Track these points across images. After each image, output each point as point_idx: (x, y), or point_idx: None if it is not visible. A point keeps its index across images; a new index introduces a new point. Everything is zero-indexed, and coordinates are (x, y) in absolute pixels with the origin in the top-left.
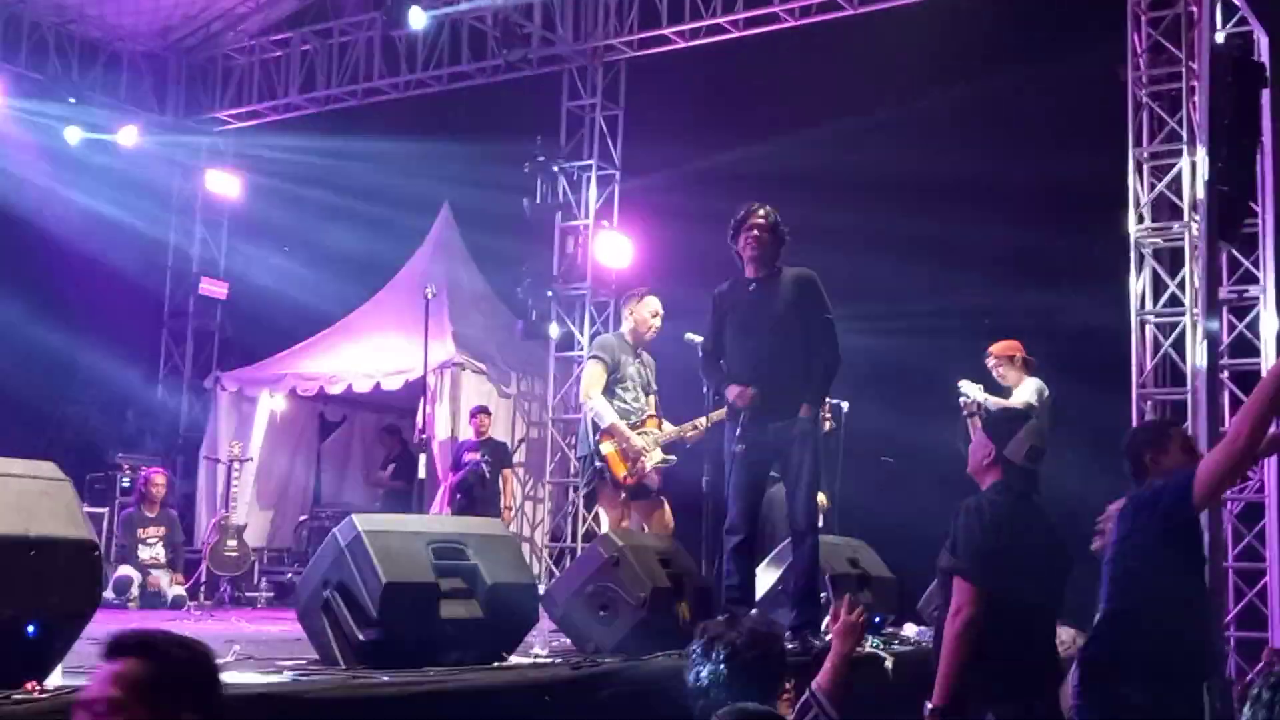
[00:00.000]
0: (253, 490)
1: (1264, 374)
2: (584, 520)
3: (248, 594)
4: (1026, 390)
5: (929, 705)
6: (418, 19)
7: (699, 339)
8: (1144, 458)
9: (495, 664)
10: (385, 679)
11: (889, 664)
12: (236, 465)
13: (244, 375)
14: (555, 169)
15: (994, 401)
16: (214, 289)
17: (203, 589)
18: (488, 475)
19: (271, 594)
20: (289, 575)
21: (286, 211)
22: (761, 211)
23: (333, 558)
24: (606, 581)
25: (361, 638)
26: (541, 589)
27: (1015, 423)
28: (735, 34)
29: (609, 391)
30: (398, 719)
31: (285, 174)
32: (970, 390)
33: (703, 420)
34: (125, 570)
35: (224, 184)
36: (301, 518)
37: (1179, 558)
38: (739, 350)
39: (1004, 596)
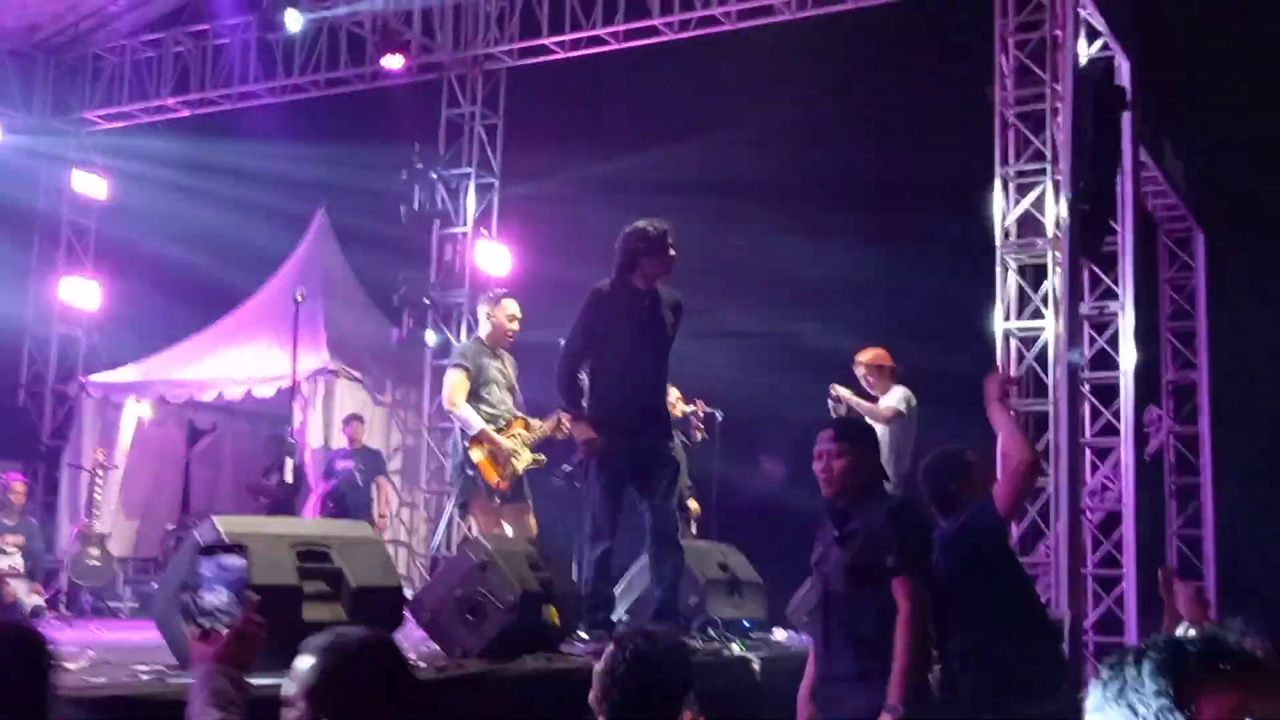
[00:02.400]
0: (118, 498)
1: (1122, 387)
2: (460, 528)
3: (110, 604)
4: (894, 398)
5: (890, 704)
6: (294, 21)
7: None
8: (949, 487)
9: None
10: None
11: (756, 665)
12: (100, 472)
13: (110, 382)
14: (433, 176)
15: (862, 405)
16: (79, 293)
17: (63, 599)
18: (360, 483)
19: (136, 604)
20: (154, 585)
21: (157, 215)
22: (673, 235)
23: (192, 560)
24: (475, 586)
25: None
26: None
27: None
28: (615, 45)
29: (474, 397)
30: None
31: (156, 176)
32: (841, 392)
33: (567, 416)
34: None
35: (92, 185)
36: (169, 526)
37: (1008, 575)
38: (623, 361)
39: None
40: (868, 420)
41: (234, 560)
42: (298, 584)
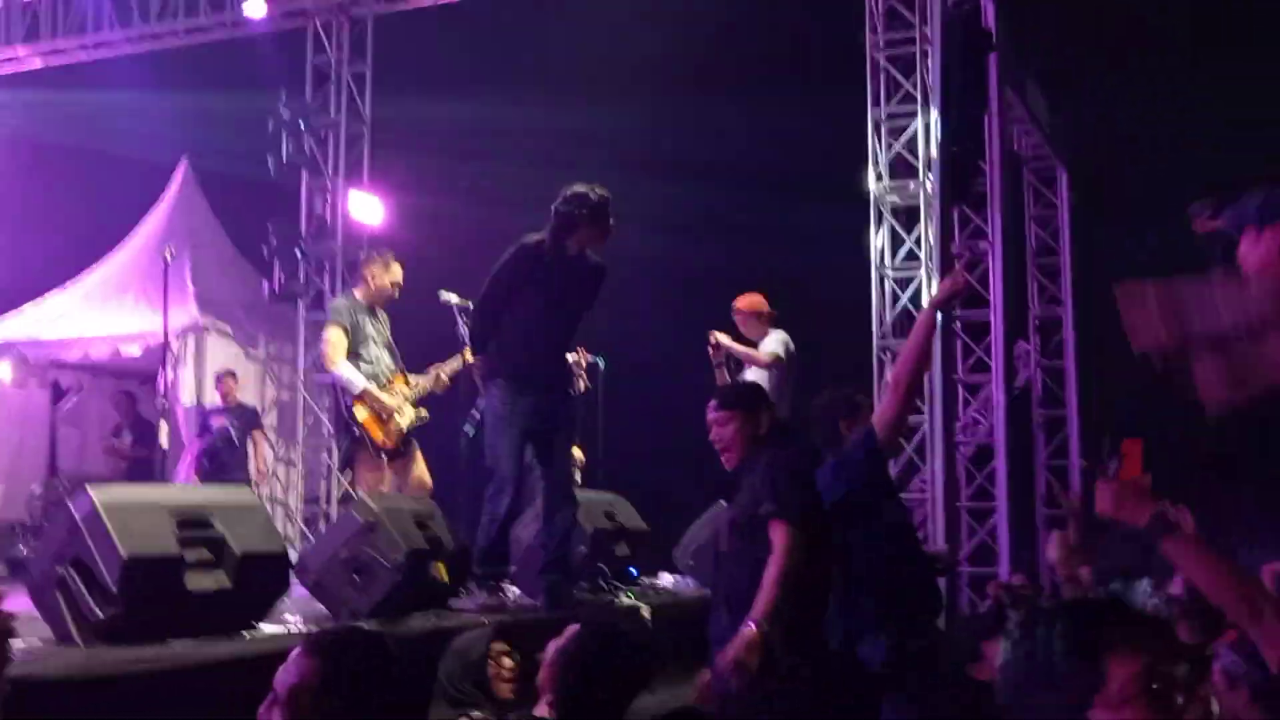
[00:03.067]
0: None
1: (993, 324)
2: (339, 484)
3: None
4: (772, 342)
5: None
6: None
7: (455, 299)
8: (839, 425)
9: (245, 634)
10: (126, 655)
11: (646, 613)
12: None
13: None
14: (301, 126)
15: (741, 351)
16: None
17: None
18: (235, 440)
19: (3, 571)
20: (23, 550)
21: (14, 164)
22: (612, 205)
23: (67, 531)
24: (362, 546)
25: (101, 615)
26: (294, 555)
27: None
28: None
29: (352, 355)
30: (141, 695)
31: (10, 130)
32: (720, 339)
33: (445, 370)
34: None
35: None
36: (35, 489)
37: (888, 509)
38: (537, 320)
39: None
40: (748, 366)
41: None
42: (179, 553)
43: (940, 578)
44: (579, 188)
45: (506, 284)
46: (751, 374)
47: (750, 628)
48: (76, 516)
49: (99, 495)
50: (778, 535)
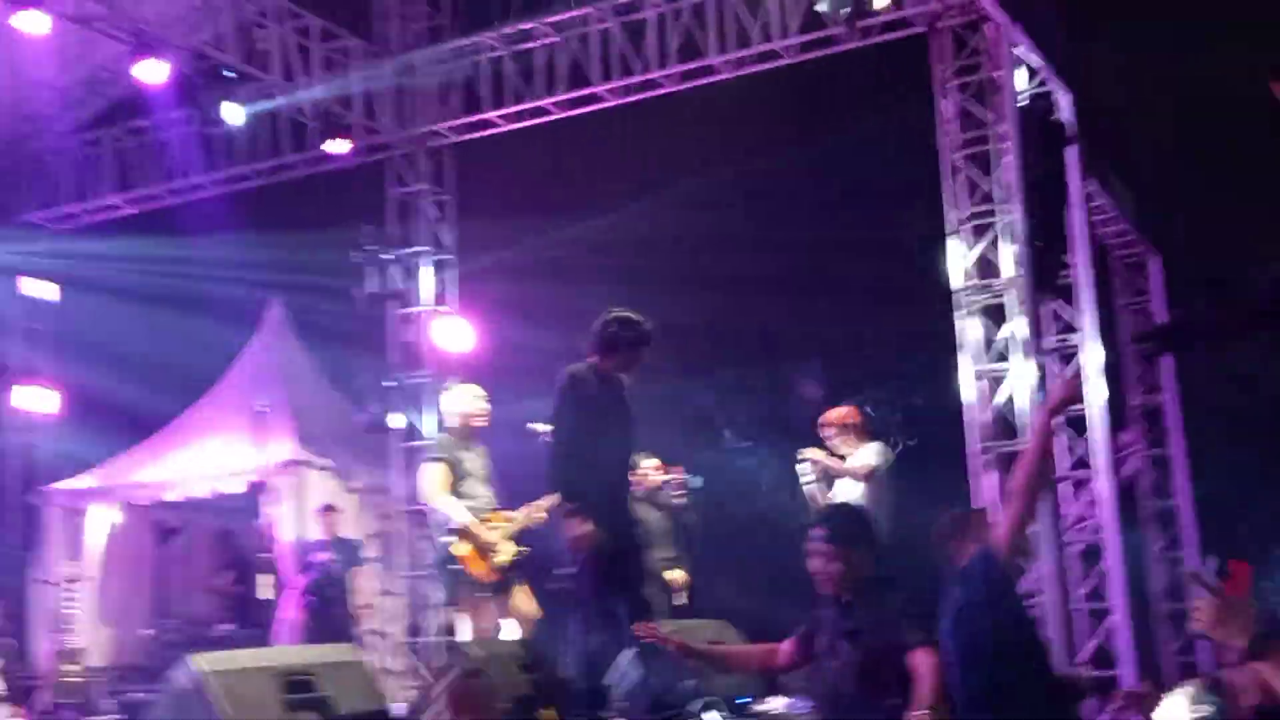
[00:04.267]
0: (92, 607)
1: (1087, 418)
2: (442, 615)
3: (93, 718)
4: (868, 454)
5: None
6: (233, 114)
7: (544, 428)
8: (948, 550)
9: None
10: None
11: None
12: (70, 586)
13: (73, 488)
14: (386, 257)
15: (835, 466)
16: (36, 399)
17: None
18: (338, 575)
19: (120, 715)
20: (137, 694)
21: (109, 314)
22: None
23: (174, 704)
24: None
25: None
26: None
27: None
28: (557, 114)
29: (453, 491)
30: None
31: (106, 275)
32: (812, 455)
33: (541, 506)
34: None
35: (41, 289)
36: (147, 631)
37: (1012, 615)
38: (605, 450)
39: None
40: (845, 480)
41: None
42: (283, 717)
43: (1079, 702)
44: (624, 312)
45: (572, 421)
46: (845, 488)
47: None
48: (181, 687)
49: (204, 664)
50: (923, 659)
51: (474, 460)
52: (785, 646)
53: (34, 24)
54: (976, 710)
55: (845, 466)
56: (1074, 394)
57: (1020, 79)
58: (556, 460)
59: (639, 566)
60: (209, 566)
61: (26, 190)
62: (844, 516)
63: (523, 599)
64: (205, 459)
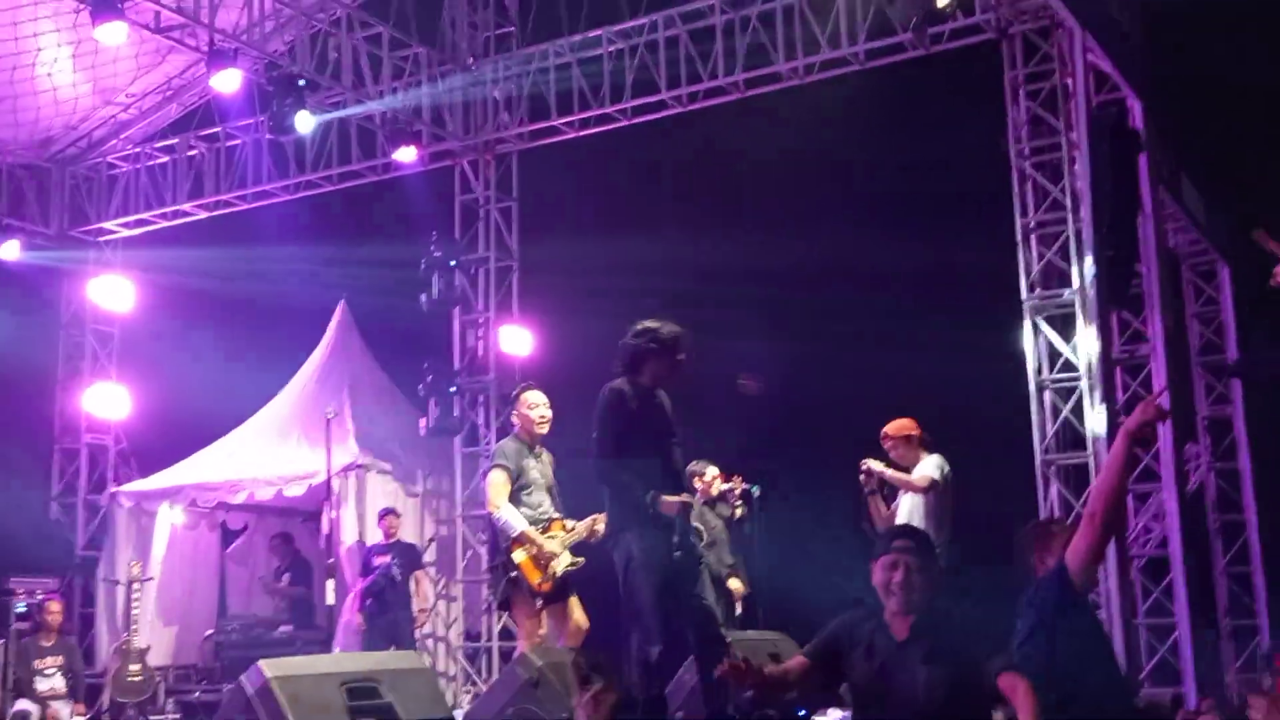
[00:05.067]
0: (155, 607)
1: (1159, 430)
2: (499, 618)
3: (153, 718)
4: (928, 466)
5: None
6: (305, 123)
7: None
8: (1031, 560)
9: None
10: None
11: None
12: (136, 585)
13: (141, 490)
14: (451, 263)
15: (897, 477)
16: (106, 401)
17: (106, 717)
18: (398, 578)
19: (179, 716)
20: (197, 694)
21: (179, 319)
22: (686, 342)
23: (241, 709)
24: (527, 704)
25: None
26: (458, 693)
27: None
28: (624, 122)
29: (515, 498)
30: None
31: (177, 281)
32: (873, 466)
33: (601, 519)
34: (23, 704)
35: (114, 295)
36: (208, 632)
37: (1081, 639)
38: (651, 459)
39: None
40: (905, 491)
41: None
42: None
43: None
44: (648, 323)
45: (614, 433)
46: (907, 501)
47: None
48: (249, 692)
49: (270, 670)
50: (1016, 682)
51: (537, 467)
52: (798, 663)
53: (112, 34)
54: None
55: (906, 478)
56: (1156, 416)
57: (1092, 86)
58: (601, 473)
59: (696, 574)
60: (270, 569)
61: (101, 196)
62: (923, 534)
63: (578, 611)
64: (269, 462)
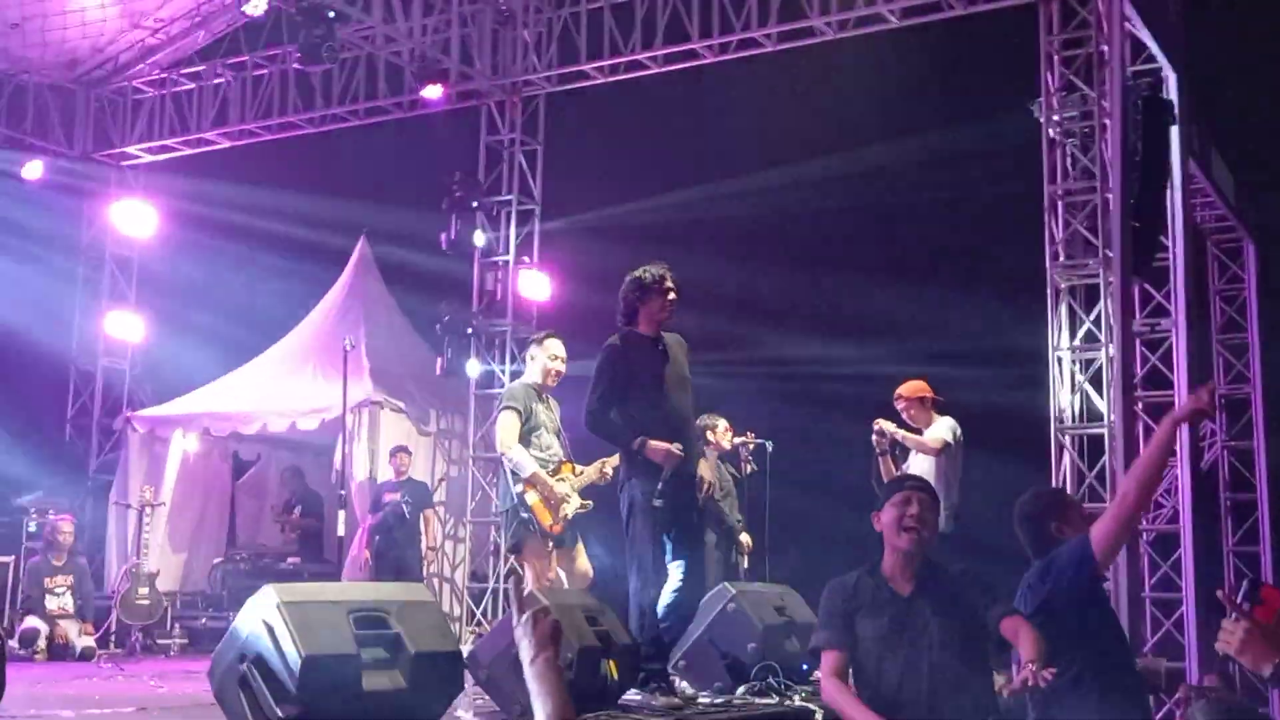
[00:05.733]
0: (165, 532)
1: (1177, 406)
2: (506, 560)
3: (159, 641)
4: (941, 428)
5: None
6: (329, 57)
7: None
8: (1049, 527)
9: None
10: None
11: (820, 717)
12: (148, 510)
13: (155, 415)
14: (474, 205)
15: (909, 438)
16: (124, 326)
17: (113, 638)
18: (407, 516)
19: (185, 641)
20: (203, 620)
21: (199, 246)
22: (671, 277)
23: (249, 630)
24: None
25: (280, 714)
26: (462, 632)
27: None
28: (654, 70)
29: (524, 440)
30: None
31: (198, 208)
32: (886, 426)
33: (610, 462)
34: (32, 622)
35: (134, 219)
36: (216, 560)
37: (1095, 620)
38: (655, 409)
39: None
40: (918, 452)
41: None
42: (356, 652)
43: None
44: (634, 271)
45: (606, 386)
46: (918, 461)
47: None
48: (258, 615)
49: (280, 594)
50: (1020, 623)
51: (546, 412)
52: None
53: None
54: (1054, 697)
55: (919, 439)
56: (1206, 407)
57: (1128, 54)
58: (590, 422)
59: (697, 522)
60: (281, 500)
61: (125, 121)
62: (929, 484)
63: (584, 557)
64: (284, 394)
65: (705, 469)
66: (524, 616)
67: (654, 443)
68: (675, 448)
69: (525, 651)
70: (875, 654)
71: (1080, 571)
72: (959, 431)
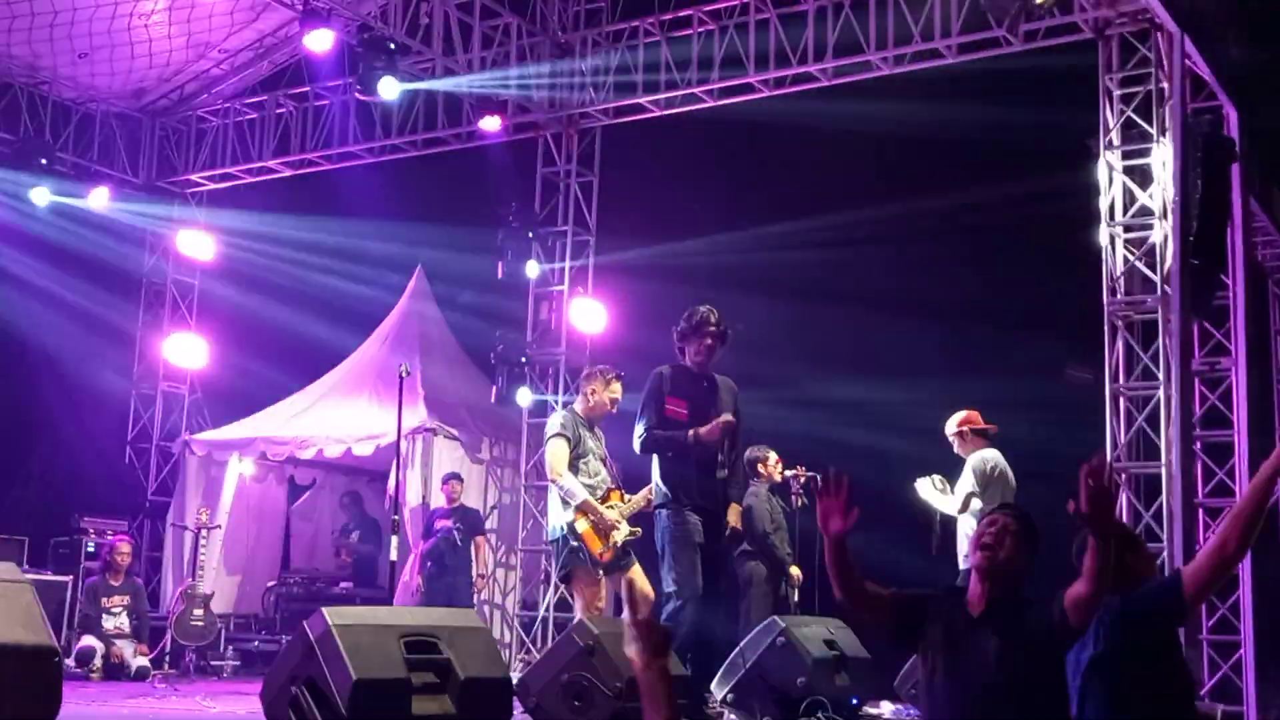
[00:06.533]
0: (220, 555)
1: (1236, 445)
2: (557, 589)
3: (213, 663)
4: (965, 476)
5: None
6: (389, 89)
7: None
8: (1124, 559)
9: None
10: None
11: None
12: (204, 533)
13: (213, 439)
14: (529, 235)
15: (940, 506)
16: (184, 351)
17: (167, 658)
18: (459, 543)
19: (238, 662)
20: (256, 643)
21: (259, 273)
22: (714, 317)
23: (302, 652)
24: (581, 671)
25: None
26: (511, 660)
27: None
28: (710, 104)
29: (573, 467)
30: None
31: (259, 236)
32: (922, 492)
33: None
34: (88, 641)
35: (196, 246)
36: (270, 583)
37: (1170, 663)
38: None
39: None
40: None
41: None
42: (406, 676)
43: None
44: (691, 309)
45: (654, 410)
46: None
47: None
48: (311, 637)
49: (333, 617)
50: (1081, 576)
51: (593, 440)
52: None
53: None
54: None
55: (946, 502)
56: None
57: (1188, 91)
58: (644, 443)
59: (721, 554)
60: (339, 525)
61: (188, 150)
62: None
63: (642, 578)
64: (340, 420)
65: (733, 515)
66: (635, 619)
67: (708, 427)
68: (726, 417)
69: (636, 658)
70: (934, 666)
71: (1171, 606)
72: (989, 465)
